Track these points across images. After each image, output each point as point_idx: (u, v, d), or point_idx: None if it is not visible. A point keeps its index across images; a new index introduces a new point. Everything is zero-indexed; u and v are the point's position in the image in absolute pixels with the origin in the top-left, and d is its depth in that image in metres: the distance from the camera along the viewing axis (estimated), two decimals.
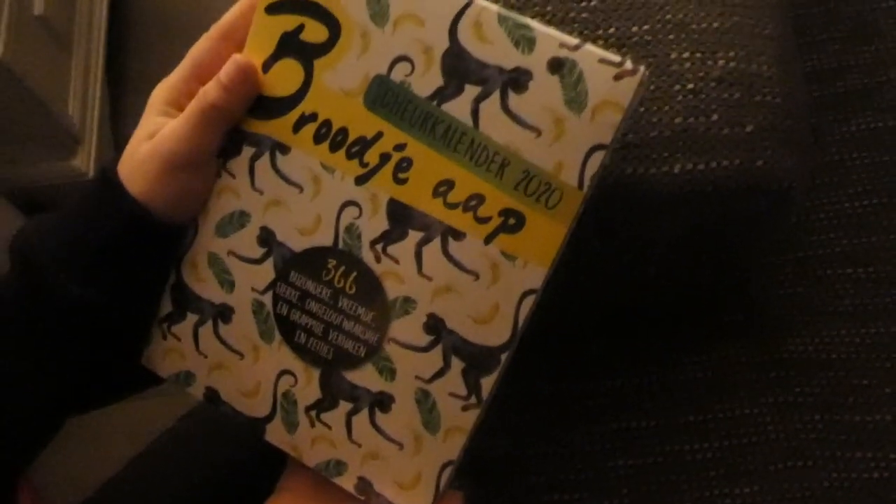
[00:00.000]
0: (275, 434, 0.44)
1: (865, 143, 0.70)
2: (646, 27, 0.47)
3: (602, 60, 0.35)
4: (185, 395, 0.46)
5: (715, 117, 0.46)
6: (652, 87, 0.46)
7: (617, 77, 0.35)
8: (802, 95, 0.50)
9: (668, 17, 0.48)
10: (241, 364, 0.44)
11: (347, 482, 0.43)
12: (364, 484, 0.43)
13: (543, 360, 0.64)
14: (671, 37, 0.47)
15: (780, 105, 0.47)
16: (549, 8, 0.48)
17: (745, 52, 0.47)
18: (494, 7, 0.37)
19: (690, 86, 0.46)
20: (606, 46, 0.47)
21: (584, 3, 0.48)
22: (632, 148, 0.46)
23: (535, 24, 0.36)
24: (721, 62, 0.47)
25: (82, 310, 0.41)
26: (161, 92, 0.42)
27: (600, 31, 0.47)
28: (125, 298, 0.43)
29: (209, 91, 0.39)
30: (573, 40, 0.36)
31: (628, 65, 0.35)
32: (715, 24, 0.48)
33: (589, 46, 0.36)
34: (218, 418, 0.45)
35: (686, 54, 0.47)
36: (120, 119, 1.37)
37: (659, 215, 0.48)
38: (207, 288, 0.44)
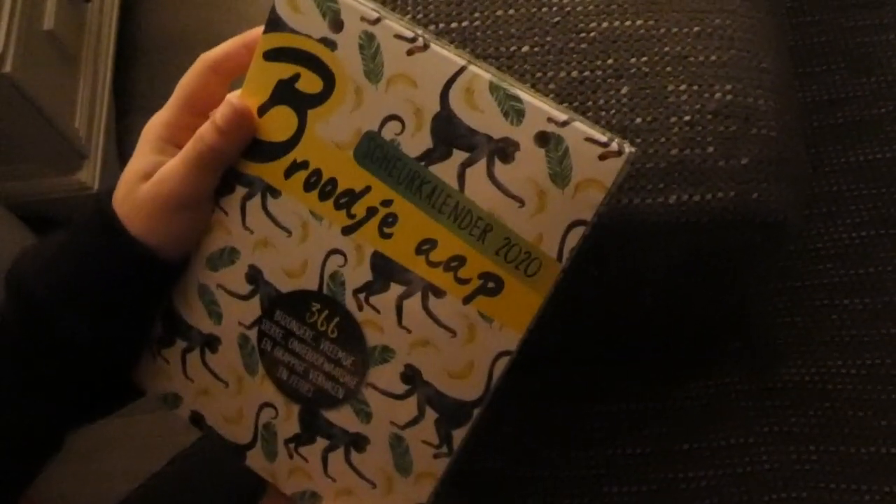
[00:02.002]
0: (255, 461, 0.45)
1: (864, 174, 0.70)
2: (644, 59, 0.48)
3: (588, 139, 0.36)
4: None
5: (711, 149, 0.46)
6: (649, 119, 0.47)
7: (602, 157, 0.36)
8: (799, 128, 0.51)
9: (667, 49, 0.48)
10: (225, 392, 0.45)
11: None
12: None
13: (541, 384, 0.65)
14: (669, 69, 0.48)
15: (776, 138, 0.48)
16: (548, 38, 0.49)
17: (741, 85, 0.48)
18: (487, 75, 0.37)
19: (687, 118, 0.47)
20: (604, 77, 0.48)
21: (582, 35, 0.48)
22: (628, 178, 0.46)
23: (526, 96, 0.37)
24: (718, 95, 0.47)
25: (87, 348, 0.41)
26: (154, 128, 0.42)
27: (598, 62, 0.48)
28: (128, 332, 0.44)
29: (205, 134, 0.40)
30: (562, 116, 0.36)
31: (614, 146, 0.36)
32: (712, 58, 0.48)
33: (577, 123, 0.36)
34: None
35: (683, 86, 0.47)
36: (125, 135, 1.38)
37: (654, 245, 0.48)
38: (196, 317, 0.44)
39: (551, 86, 0.48)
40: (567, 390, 0.64)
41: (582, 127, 0.36)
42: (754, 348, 0.65)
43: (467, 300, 0.39)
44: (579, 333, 0.58)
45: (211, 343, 0.45)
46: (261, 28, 0.41)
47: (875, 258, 0.67)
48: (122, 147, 1.36)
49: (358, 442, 0.43)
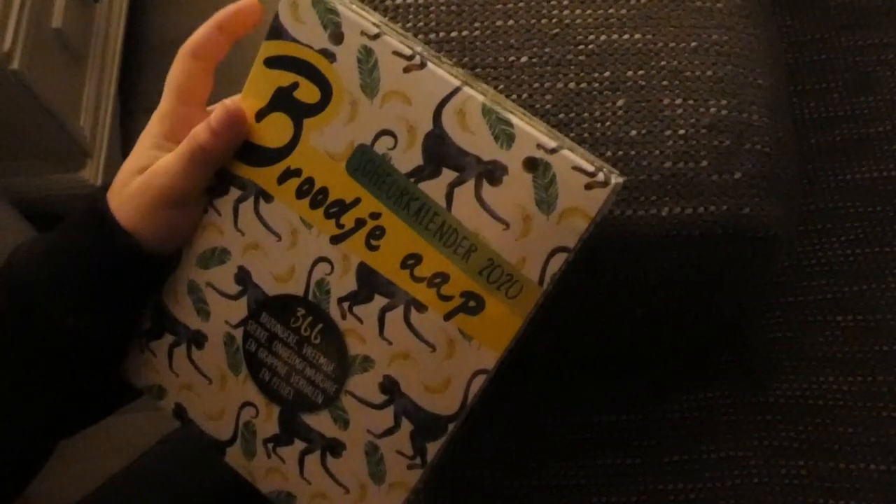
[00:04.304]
0: (234, 458, 0.46)
1: (860, 191, 0.71)
2: (640, 72, 0.48)
3: (575, 168, 0.36)
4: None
5: (704, 163, 0.47)
6: (644, 132, 0.47)
7: (588, 186, 0.36)
8: (792, 145, 0.51)
9: (663, 63, 0.49)
10: (209, 388, 0.46)
11: None
12: None
13: (532, 394, 0.65)
14: (665, 83, 0.48)
15: (770, 154, 0.48)
16: (546, 50, 0.49)
17: (736, 100, 0.48)
18: (480, 98, 0.38)
19: (681, 131, 0.47)
20: (601, 90, 0.48)
21: (580, 47, 0.49)
22: (621, 190, 0.46)
23: (517, 121, 0.37)
24: (713, 109, 0.48)
25: (75, 339, 0.42)
26: (151, 124, 0.43)
27: (595, 75, 0.48)
28: (115, 325, 0.44)
29: (199, 133, 0.41)
30: (551, 143, 0.37)
31: (600, 176, 0.36)
32: (708, 73, 0.49)
33: (565, 152, 0.37)
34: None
35: (678, 100, 0.48)
36: (130, 134, 1.38)
37: (646, 257, 0.48)
38: (184, 313, 0.45)
39: (548, 96, 0.48)
40: (556, 400, 0.65)
41: (570, 155, 0.37)
42: (746, 363, 0.65)
43: (448, 317, 0.40)
44: (570, 343, 0.59)
45: (197, 339, 0.45)
46: (230, 6, 0.42)
47: (868, 276, 0.67)
48: (126, 146, 1.37)
49: (334, 447, 0.43)
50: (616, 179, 0.36)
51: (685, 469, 0.62)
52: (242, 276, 0.44)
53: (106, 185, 0.43)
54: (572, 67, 0.49)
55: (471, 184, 0.38)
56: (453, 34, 0.50)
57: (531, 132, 0.37)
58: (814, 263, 0.68)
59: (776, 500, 0.61)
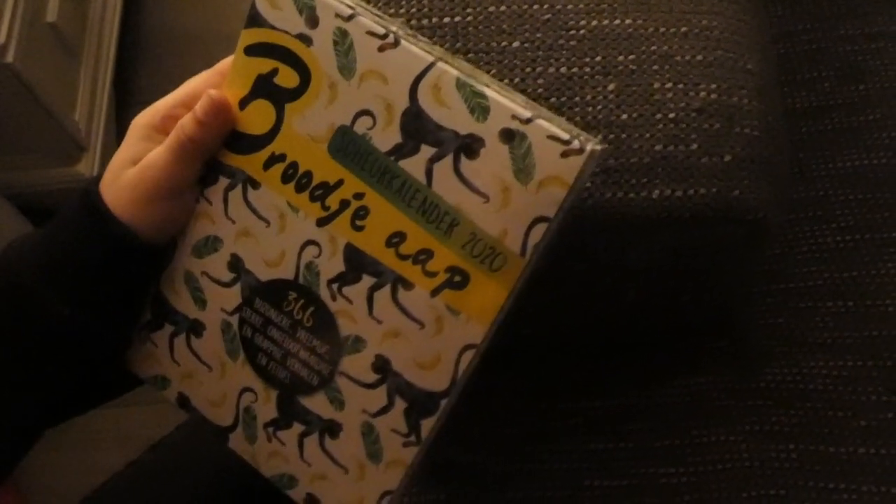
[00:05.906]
0: (237, 443, 0.47)
1: (850, 179, 0.71)
2: (631, 57, 0.49)
3: (551, 137, 0.36)
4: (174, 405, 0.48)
5: (694, 146, 0.47)
6: (634, 115, 0.48)
7: (564, 154, 0.36)
8: (782, 130, 0.51)
9: (654, 48, 0.49)
10: (209, 376, 0.46)
11: (297, 496, 0.46)
12: (312, 500, 0.45)
13: (524, 378, 0.65)
14: (655, 67, 0.49)
15: (759, 137, 0.49)
16: (538, 35, 0.50)
17: (726, 84, 0.49)
18: (454, 72, 0.38)
19: (672, 115, 0.48)
20: (592, 74, 0.49)
21: (571, 32, 0.49)
22: (612, 172, 0.47)
23: (491, 93, 0.37)
24: (703, 93, 0.48)
25: (72, 330, 0.42)
26: (144, 115, 0.44)
27: (587, 59, 0.49)
28: (112, 315, 0.45)
29: (186, 124, 0.41)
30: (526, 113, 0.37)
31: (576, 143, 0.36)
32: (698, 57, 0.49)
33: (540, 121, 0.37)
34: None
35: (669, 84, 0.48)
36: (124, 129, 1.38)
37: (637, 240, 0.49)
38: (182, 302, 0.46)
39: (540, 81, 0.49)
40: (550, 385, 0.65)
41: (545, 125, 0.37)
42: (738, 348, 0.66)
43: (435, 293, 0.40)
44: (563, 328, 0.59)
45: (196, 328, 0.46)
46: None
47: (859, 262, 0.68)
48: (121, 140, 1.37)
49: (332, 428, 0.44)
50: (592, 146, 0.36)
51: (676, 453, 0.62)
52: (235, 264, 0.44)
53: (98, 177, 0.43)
54: (564, 52, 0.49)
55: (449, 158, 0.39)
56: (446, 20, 0.50)
57: (505, 103, 0.37)
58: (805, 250, 0.69)
59: (766, 483, 0.61)
